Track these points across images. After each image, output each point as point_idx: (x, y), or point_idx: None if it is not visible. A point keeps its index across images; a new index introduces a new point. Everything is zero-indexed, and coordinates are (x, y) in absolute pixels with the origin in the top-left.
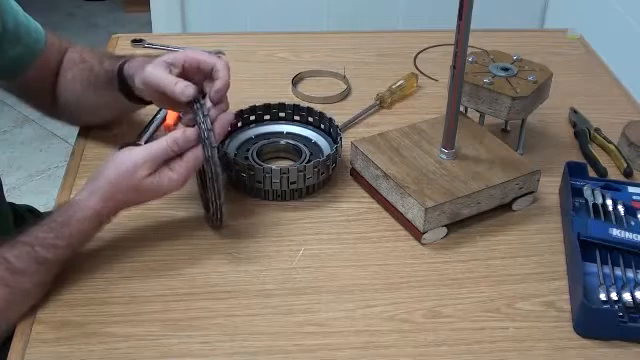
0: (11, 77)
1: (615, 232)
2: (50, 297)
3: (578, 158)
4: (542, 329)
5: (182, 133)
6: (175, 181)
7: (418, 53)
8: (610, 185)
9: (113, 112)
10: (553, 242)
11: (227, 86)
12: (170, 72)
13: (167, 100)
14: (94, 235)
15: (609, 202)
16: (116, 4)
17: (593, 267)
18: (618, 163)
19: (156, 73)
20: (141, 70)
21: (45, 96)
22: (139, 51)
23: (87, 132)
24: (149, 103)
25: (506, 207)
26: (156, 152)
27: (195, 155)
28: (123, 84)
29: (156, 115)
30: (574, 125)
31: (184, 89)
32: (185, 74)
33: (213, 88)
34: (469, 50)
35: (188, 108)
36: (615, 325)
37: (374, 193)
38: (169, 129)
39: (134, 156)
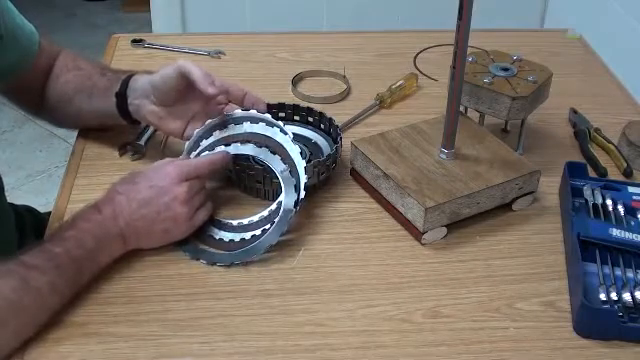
0: (10, 79)
1: (615, 232)
2: None
3: (578, 158)
4: (542, 329)
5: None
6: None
7: (418, 53)
8: (610, 185)
9: (100, 121)
10: (553, 242)
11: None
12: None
13: (168, 116)
14: (105, 238)
15: (609, 202)
16: (116, 4)
17: (593, 267)
18: (618, 163)
19: (190, 65)
20: (155, 76)
21: (33, 97)
22: (139, 51)
23: (87, 132)
24: (135, 123)
25: (506, 207)
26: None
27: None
28: (121, 95)
29: None
30: (574, 125)
31: (211, 85)
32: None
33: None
34: (469, 50)
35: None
36: (615, 325)
37: (374, 193)
38: None
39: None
